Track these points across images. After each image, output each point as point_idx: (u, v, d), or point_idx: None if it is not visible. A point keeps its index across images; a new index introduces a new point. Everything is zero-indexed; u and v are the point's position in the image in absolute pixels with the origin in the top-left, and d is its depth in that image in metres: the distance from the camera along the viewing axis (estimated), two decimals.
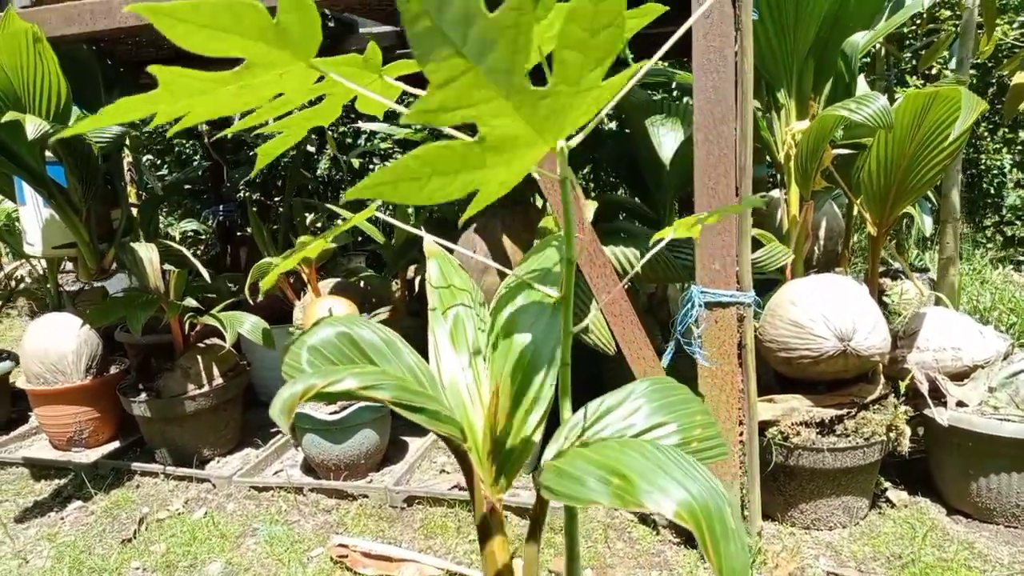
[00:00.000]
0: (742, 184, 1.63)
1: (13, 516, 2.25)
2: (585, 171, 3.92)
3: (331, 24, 2.27)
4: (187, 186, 3.98)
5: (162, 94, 0.56)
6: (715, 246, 1.66)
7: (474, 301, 0.81)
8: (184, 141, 5.29)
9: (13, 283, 3.75)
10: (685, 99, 2.90)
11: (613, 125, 3.76)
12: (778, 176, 2.17)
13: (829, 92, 1.99)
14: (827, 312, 1.75)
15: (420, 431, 2.56)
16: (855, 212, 2.26)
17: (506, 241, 2.08)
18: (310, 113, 0.68)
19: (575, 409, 0.69)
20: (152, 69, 0.55)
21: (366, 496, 2.18)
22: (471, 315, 0.78)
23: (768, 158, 2.16)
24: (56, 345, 2.54)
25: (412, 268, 3.30)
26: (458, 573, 1.81)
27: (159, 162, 5.42)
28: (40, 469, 2.53)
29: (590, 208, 1.85)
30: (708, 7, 1.57)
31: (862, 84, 2.06)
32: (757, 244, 1.95)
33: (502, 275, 2.11)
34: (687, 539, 1.88)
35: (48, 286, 2.73)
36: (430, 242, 0.84)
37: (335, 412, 2.21)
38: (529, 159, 0.55)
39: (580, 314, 1.98)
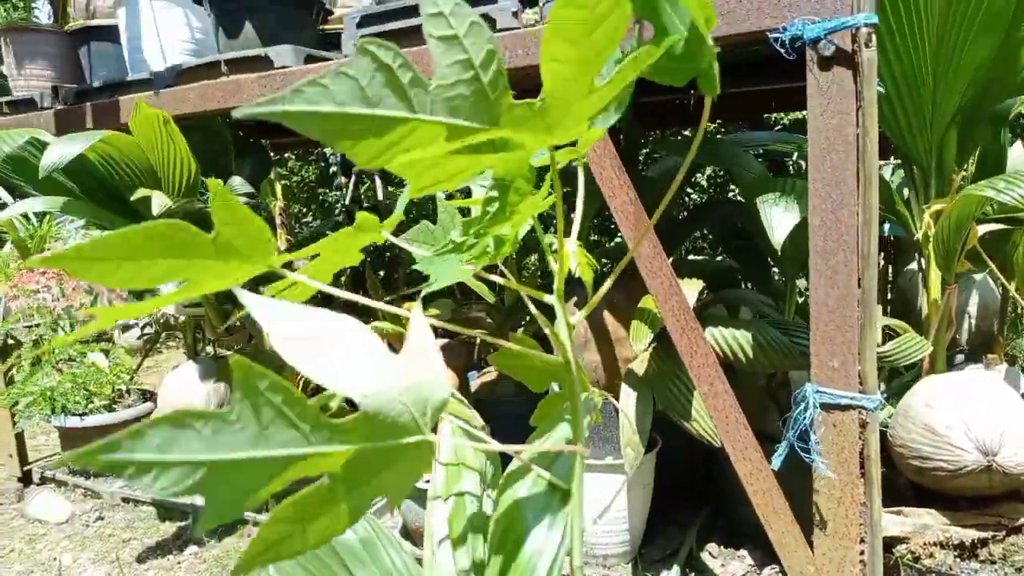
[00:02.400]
0: (865, 276, 1.46)
1: (137, 555, 2.40)
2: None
3: None
4: (328, 231, 4.21)
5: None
6: (834, 341, 1.50)
7: (484, 484, 0.74)
8: (327, 190, 5.62)
9: (161, 323, 4.10)
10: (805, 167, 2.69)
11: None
12: (917, 255, 1.95)
13: (975, 166, 1.77)
14: (968, 418, 1.53)
15: None
16: (1011, 294, 1.98)
17: (607, 316, 2.00)
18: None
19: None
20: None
21: None
22: (476, 504, 0.71)
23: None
24: (187, 396, 2.71)
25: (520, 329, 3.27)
26: None
27: (304, 210, 5.79)
28: (166, 510, 2.70)
29: (693, 289, 1.73)
30: (826, 81, 1.44)
31: (1017, 155, 1.82)
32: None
33: (602, 354, 2.03)
34: None
35: (186, 336, 2.93)
36: (453, 403, 0.78)
37: (429, 480, 2.19)
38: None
39: (682, 400, 1.85)
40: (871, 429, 1.51)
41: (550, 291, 0.65)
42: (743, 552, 2.16)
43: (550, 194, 0.59)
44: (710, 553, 2.18)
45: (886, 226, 3.17)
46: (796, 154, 3.35)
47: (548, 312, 0.77)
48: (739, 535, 2.21)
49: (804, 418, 1.51)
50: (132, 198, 1.99)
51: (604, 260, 3.26)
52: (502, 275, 0.78)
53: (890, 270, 3.06)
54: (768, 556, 2.09)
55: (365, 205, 3.96)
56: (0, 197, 2.79)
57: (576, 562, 0.60)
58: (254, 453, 0.46)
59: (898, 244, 3.04)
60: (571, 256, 0.86)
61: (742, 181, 1.89)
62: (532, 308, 0.74)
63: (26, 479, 3.01)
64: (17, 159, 2.08)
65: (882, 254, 3.21)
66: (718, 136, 3.71)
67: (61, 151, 1.90)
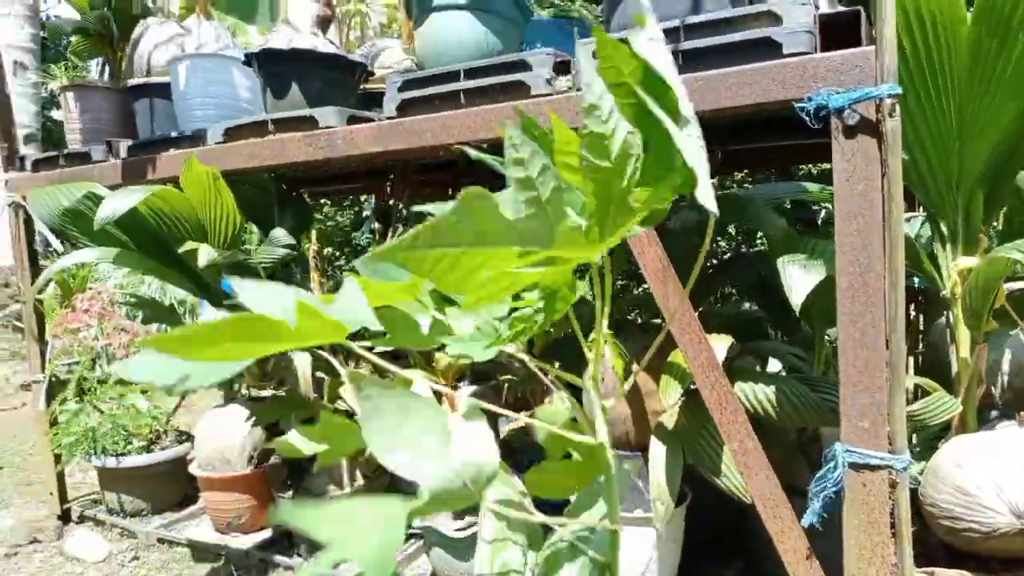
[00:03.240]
0: (892, 337, 1.49)
1: None
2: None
3: None
4: None
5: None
6: (863, 401, 1.52)
7: (525, 549, 0.78)
8: (360, 233, 5.74)
9: None
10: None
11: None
12: (945, 312, 1.97)
13: (1002, 223, 1.80)
14: (1000, 479, 1.53)
15: None
16: None
17: (635, 367, 2.03)
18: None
19: None
20: None
21: None
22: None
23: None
24: (225, 437, 2.78)
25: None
26: None
27: (338, 253, 5.92)
28: (200, 552, 2.75)
29: (723, 343, 1.77)
30: (850, 148, 1.48)
31: None
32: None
33: (632, 407, 2.06)
34: None
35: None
36: (500, 483, 0.82)
37: (460, 528, 2.22)
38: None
39: (712, 455, 1.87)
40: (901, 489, 1.52)
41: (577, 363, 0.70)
42: None
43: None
44: None
45: (915, 279, 3.17)
46: (824, 212, 3.38)
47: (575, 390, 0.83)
48: None
49: (834, 476, 1.53)
50: (180, 250, 2.09)
51: (631, 307, 3.29)
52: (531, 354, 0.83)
53: (921, 320, 3.05)
54: None
55: None
56: (47, 238, 2.91)
57: None
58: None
59: (928, 296, 3.04)
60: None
61: (768, 236, 1.93)
62: (558, 392, 0.79)
63: (65, 517, 3.08)
64: (74, 212, 2.19)
65: (912, 306, 3.21)
66: (741, 189, 3.76)
67: (114, 205, 2.00)
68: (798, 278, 1.61)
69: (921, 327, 2.99)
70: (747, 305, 3.49)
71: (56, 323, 3.47)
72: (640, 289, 4.75)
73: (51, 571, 2.69)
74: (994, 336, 2.06)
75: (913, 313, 3.17)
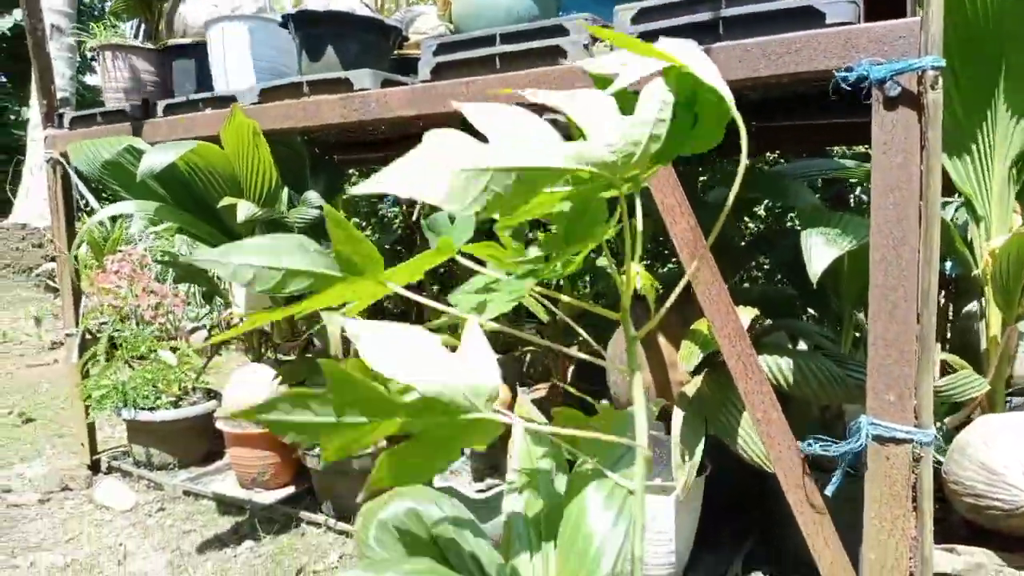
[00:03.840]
0: (924, 312, 1.48)
1: (196, 546, 2.51)
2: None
3: None
4: (387, 246, 4.34)
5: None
6: (891, 374, 1.52)
7: (554, 479, 0.80)
8: (385, 204, 5.77)
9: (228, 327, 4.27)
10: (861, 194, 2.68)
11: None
12: (977, 295, 1.95)
13: None
14: None
15: None
16: None
17: (661, 340, 2.04)
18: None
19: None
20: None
21: None
22: (550, 493, 0.77)
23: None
24: (251, 395, 2.83)
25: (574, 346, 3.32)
26: None
27: (364, 224, 5.96)
28: (225, 505, 2.81)
29: (748, 315, 1.77)
30: (890, 120, 1.47)
31: None
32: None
33: (655, 376, 2.07)
34: None
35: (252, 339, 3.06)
36: (521, 399, 0.84)
37: (481, 491, 2.25)
38: None
39: (734, 425, 1.88)
40: (924, 463, 1.52)
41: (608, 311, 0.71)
42: None
43: (618, 223, 0.66)
44: None
45: (947, 264, 3.14)
46: (859, 189, 3.34)
47: (599, 334, 0.83)
48: (787, 564, 2.21)
49: (857, 448, 1.53)
50: (219, 205, 2.12)
51: (658, 286, 3.28)
52: (557, 295, 0.84)
53: (950, 309, 3.02)
54: None
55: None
56: (88, 200, 2.96)
57: (637, 552, 0.65)
58: (347, 419, 0.56)
59: (959, 283, 3.00)
60: (636, 277, 0.91)
61: (798, 209, 1.92)
62: (581, 332, 0.81)
63: (95, 467, 3.17)
64: (114, 164, 2.23)
65: (943, 292, 3.17)
66: (775, 166, 3.72)
67: (155, 159, 2.04)
68: (819, 249, 1.60)
69: (950, 316, 2.97)
70: (779, 287, 3.48)
71: (87, 283, 3.54)
72: (666, 268, 4.73)
73: (80, 517, 2.78)
74: None
75: (943, 300, 3.14)
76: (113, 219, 6.55)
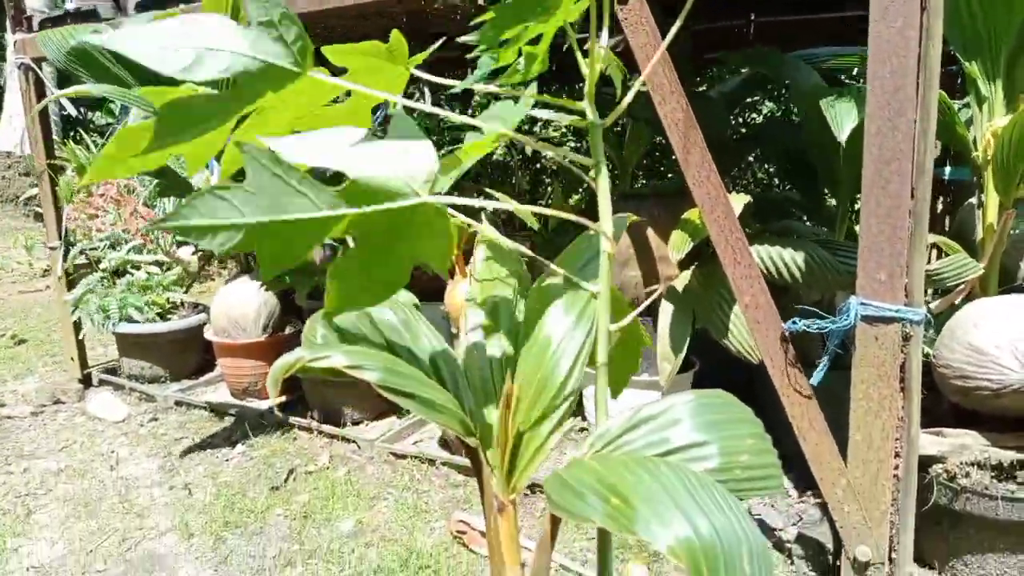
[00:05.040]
0: (919, 185, 1.43)
1: (189, 452, 2.52)
2: (744, 167, 3.68)
3: None
4: None
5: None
6: (881, 253, 1.48)
7: (518, 294, 0.76)
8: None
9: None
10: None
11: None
12: (976, 191, 1.89)
13: None
14: (1017, 338, 1.50)
15: None
16: None
17: (651, 234, 1.99)
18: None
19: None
20: None
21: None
22: (511, 308, 0.73)
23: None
24: (239, 305, 2.80)
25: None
26: (570, 569, 1.78)
27: None
28: (217, 413, 2.82)
29: (739, 202, 1.72)
30: None
31: None
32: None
33: (644, 271, 2.03)
34: (825, 573, 1.71)
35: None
36: (486, 226, 0.80)
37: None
38: None
39: (722, 317, 1.86)
40: (914, 343, 1.49)
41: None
42: None
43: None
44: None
45: (946, 170, 3.07)
46: (856, 72, 3.23)
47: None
48: None
49: (846, 326, 1.50)
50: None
51: (626, 72, 3.22)
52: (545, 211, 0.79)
53: (947, 221, 2.97)
54: (800, 480, 2.10)
55: None
56: (63, 103, 2.85)
57: (601, 359, 0.62)
58: (275, 216, 0.51)
59: (957, 188, 2.95)
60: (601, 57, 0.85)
61: (800, 91, 1.85)
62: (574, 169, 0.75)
63: (86, 381, 3.17)
64: (83, 52, 2.14)
65: (941, 198, 3.12)
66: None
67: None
68: (845, 113, 1.54)
69: (946, 226, 2.92)
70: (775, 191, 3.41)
71: (73, 208, 3.47)
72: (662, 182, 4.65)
73: (74, 428, 2.79)
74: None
75: (940, 207, 3.09)
76: (100, 135, 6.43)
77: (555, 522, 0.65)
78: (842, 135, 1.54)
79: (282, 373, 0.54)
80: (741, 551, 0.44)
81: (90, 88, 2.04)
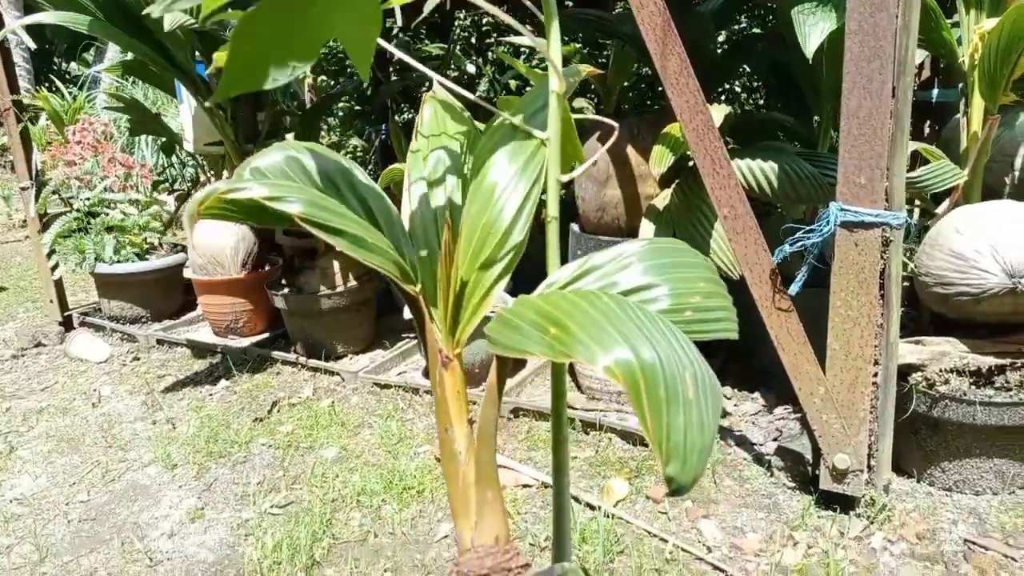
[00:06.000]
0: (900, 84, 1.39)
1: (171, 388, 2.51)
2: (732, 84, 3.61)
3: None
4: (345, 100, 4.14)
5: None
6: (861, 155, 1.44)
7: (466, 150, 0.72)
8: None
9: (191, 182, 4.14)
10: None
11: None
12: (960, 87, 1.84)
13: None
14: (998, 242, 1.49)
15: None
16: None
17: (630, 150, 1.95)
18: None
19: None
20: None
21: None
22: (459, 161, 0.70)
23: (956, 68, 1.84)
24: (216, 240, 2.76)
25: None
26: (548, 484, 1.79)
27: (333, 83, 5.70)
28: (199, 351, 2.80)
29: (719, 112, 1.67)
30: None
31: None
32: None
33: (624, 191, 2.00)
34: (803, 483, 1.73)
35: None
36: (437, 87, 0.76)
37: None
38: None
39: (703, 234, 1.83)
40: (894, 248, 1.47)
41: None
42: (756, 395, 2.19)
43: None
44: (724, 395, 2.20)
45: (934, 92, 3.02)
46: None
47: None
48: (753, 380, 2.23)
49: (826, 233, 1.48)
50: (144, 12, 1.95)
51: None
52: None
53: (934, 146, 2.93)
54: (779, 397, 2.11)
55: None
56: (20, 37, 2.74)
57: (552, 212, 0.60)
58: None
59: (944, 109, 2.90)
60: None
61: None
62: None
63: (67, 324, 3.13)
64: None
65: (927, 121, 3.07)
66: None
67: None
68: (811, 25, 1.49)
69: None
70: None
71: (50, 156, 3.38)
72: (657, 108, 4.55)
73: (56, 369, 2.76)
74: (1008, 129, 1.95)
75: (928, 130, 3.04)
76: (74, 91, 6.26)
77: (501, 370, 0.63)
78: (808, 48, 1.49)
79: (197, 207, 0.51)
80: (684, 375, 0.42)
81: (44, 18, 1.94)
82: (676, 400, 0.40)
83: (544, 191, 0.59)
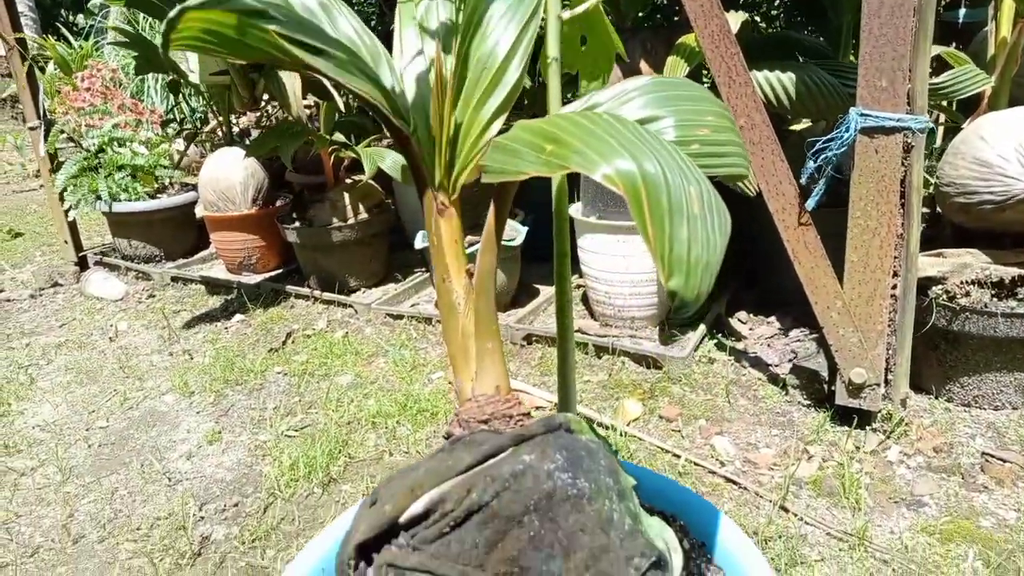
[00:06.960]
0: None
1: (187, 323, 2.53)
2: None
3: None
4: None
5: None
6: (883, 58, 1.38)
7: None
8: None
9: (199, 121, 4.10)
10: None
11: None
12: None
13: None
14: (1023, 148, 1.43)
15: (551, 279, 2.53)
16: None
17: (643, 66, 1.89)
18: None
19: None
20: None
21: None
22: (453, 3, 0.67)
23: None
24: (226, 176, 2.74)
25: None
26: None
27: None
28: (214, 287, 2.81)
29: (736, 20, 1.61)
30: None
31: None
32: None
33: None
34: (818, 401, 1.72)
35: (221, 124, 2.92)
36: None
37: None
38: None
39: None
40: (916, 153, 1.43)
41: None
42: (772, 319, 2.16)
43: None
44: (739, 319, 2.18)
45: (960, 12, 2.90)
46: None
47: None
48: (769, 305, 2.20)
49: (847, 140, 1.43)
50: None
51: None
52: None
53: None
54: (795, 320, 2.09)
55: None
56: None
57: (551, 52, 0.57)
58: None
59: (971, 35, 2.80)
60: None
61: None
62: None
63: (82, 264, 3.15)
64: None
65: (954, 44, 2.97)
66: None
67: None
68: None
69: None
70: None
71: (58, 103, 3.35)
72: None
73: (72, 308, 2.79)
74: None
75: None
76: (82, 38, 6.19)
77: (500, 212, 0.61)
78: None
79: (170, 32, 0.48)
80: (690, 190, 0.40)
81: None
82: (680, 212, 0.38)
83: (543, 29, 0.56)
